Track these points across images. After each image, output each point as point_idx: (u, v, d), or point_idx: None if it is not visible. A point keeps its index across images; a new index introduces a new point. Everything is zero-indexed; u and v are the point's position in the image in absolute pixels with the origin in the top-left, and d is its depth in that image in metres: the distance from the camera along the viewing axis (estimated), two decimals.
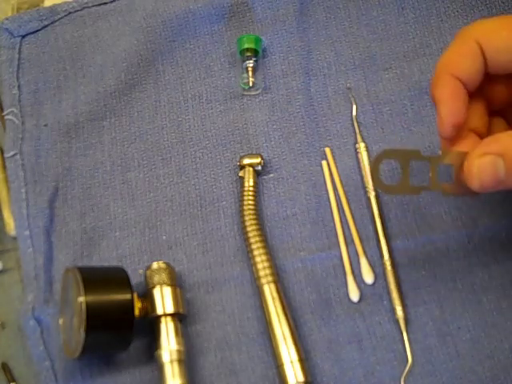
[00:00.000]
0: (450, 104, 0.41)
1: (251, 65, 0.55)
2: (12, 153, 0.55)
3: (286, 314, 0.47)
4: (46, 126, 0.56)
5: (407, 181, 0.41)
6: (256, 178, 0.52)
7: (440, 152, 0.42)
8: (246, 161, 0.52)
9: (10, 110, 0.56)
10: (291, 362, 0.45)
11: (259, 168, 0.52)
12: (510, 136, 0.39)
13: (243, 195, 0.51)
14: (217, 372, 0.48)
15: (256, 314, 0.49)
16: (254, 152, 0.54)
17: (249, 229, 0.50)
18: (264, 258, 0.49)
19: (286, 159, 0.54)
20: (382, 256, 0.49)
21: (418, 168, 0.45)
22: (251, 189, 0.51)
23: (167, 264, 0.49)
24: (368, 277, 0.49)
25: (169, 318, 0.47)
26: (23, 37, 0.59)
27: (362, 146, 0.53)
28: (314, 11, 0.58)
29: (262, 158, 0.52)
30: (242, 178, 0.52)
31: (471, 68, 0.41)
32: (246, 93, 0.56)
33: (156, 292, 0.47)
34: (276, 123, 0.55)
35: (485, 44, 0.40)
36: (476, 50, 0.40)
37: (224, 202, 0.53)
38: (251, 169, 0.52)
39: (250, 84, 0.55)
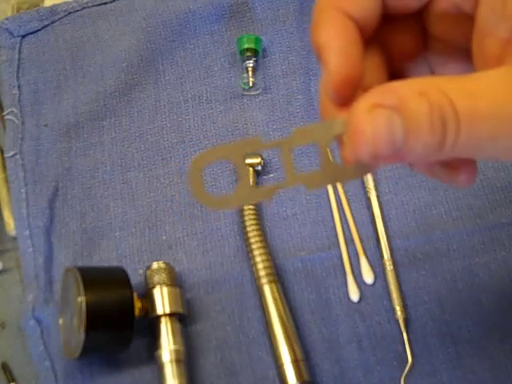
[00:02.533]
0: (341, 49, 0.29)
1: (251, 65, 0.55)
2: (12, 153, 0.55)
3: (286, 314, 0.47)
4: (46, 126, 0.56)
5: (247, 185, 0.31)
6: (256, 178, 0.52)
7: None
8: (246, 161, 0.52)
9: (9, 110, 0.56)
10: (291, 362, 0.45)
11: (259, 168, 0.52)
12: (407, 85, 0.27)
13: None
14: (217, 372, 0.48)
15: (256, 314, 0.49)
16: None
17: (249, 229, 0.50)
18: (264, 257, 0.49)
19: None
20: (381, 256, 0.49)
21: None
22: None
23: (167, 264, 0.49)
24: (368, 277, 0.49)
25: (169, 318, 0.47)
26: (23, 37, 0.59)
27: None
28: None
29: (262, 158, 0.52)
30: None
31: (365, 1, 0.30)
32: (245, 93, 0.56)
33: (156, 292, 0.47)
34: (276, 123, 0.55)
35: None
36: None
37: None
38: (251, 169, 0.52)
39: (250, 84, 0.55)
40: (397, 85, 0.27)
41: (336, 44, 0.29)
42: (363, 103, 0.27)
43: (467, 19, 0.30)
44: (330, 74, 0.29)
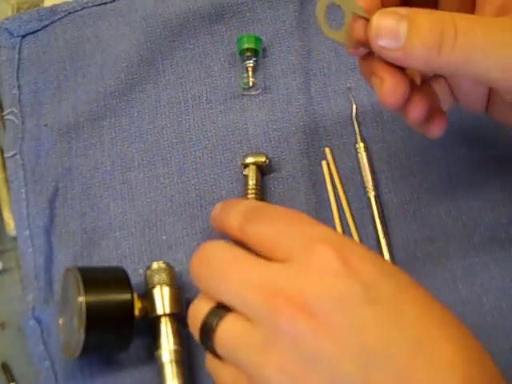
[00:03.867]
0: None
1: (251, 65, 0.55)
2: (12, 153, 0.55)
3: None
4: (46, 126, 0.56)
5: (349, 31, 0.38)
6: (260, 177, 0.52)
7: None
8: (250, 159, 0.52)
9: (9, 110, 0.56)
10: None
11: (264, 165, 0.52)
12: (427, 11, 0.36)
13: (247, 193, 0.51)
14: None
15: None
16: (254, 152, 0.54)
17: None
18: None
19: (286, 159, 0.54)
20: (381, 256, 0.49)
21: None
22: (254, 187, 0.51)
23: (167, 264, 0.49)
24: None
25: (169, 318, 0.47)
26: (23, 37, 0.59)
27: (361, 146, 0.53)
28: (314, 11, 0.58)
29: (267, 158, 0.52)
30: (246, 177, 0.52)
31: None
32: (245, 93, 0.56)
33: (156, 292, 0.47)
34: (276, 123, 0.55)
35: None
36: None
37: None
38: (255, 167, 0.52)
39: (250, 84, 0.55)
40: (420, 10, 0.36)
41: None
42: (383, 9, 0.36)
43: None
44: None
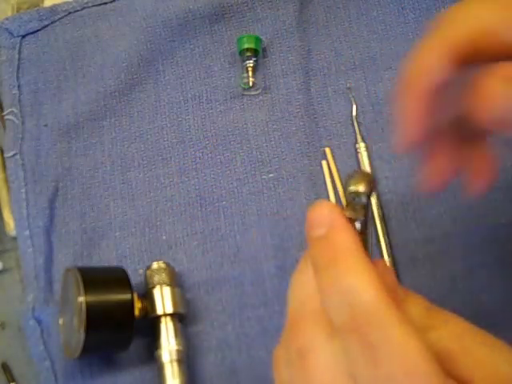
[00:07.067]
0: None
1: (251, 65, 0.55)
2: (12, 153, 0.55)
3: None
4: (46, 126, 0.56)
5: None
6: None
7: None
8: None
9: (9, 110, 0.56)
10: None
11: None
12: None
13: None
14: (217, 372, 0.48)
15: (256, 313, 0.49)
16: (254, 152, 0.54)
17: None
18: None
19: (286, 159, 0.54)
20: (381, 256, 0.49)
21: None
22: None
23: (167, 264, 0.49)
24: None
25: (169, 318, 0.47)
26: (23, 37, 0.59)
27: (362, 145, 0.53)
28: (314, 11, 0.58)
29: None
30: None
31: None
32: (245, 93, 0.56)
33: (156, 292, 0.47)
34: (276, 123, 0.55)
35: None
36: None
37: (224, 202, 0.53)
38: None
39: (250, 84, 0.55)
40: None
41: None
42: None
43: None
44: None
